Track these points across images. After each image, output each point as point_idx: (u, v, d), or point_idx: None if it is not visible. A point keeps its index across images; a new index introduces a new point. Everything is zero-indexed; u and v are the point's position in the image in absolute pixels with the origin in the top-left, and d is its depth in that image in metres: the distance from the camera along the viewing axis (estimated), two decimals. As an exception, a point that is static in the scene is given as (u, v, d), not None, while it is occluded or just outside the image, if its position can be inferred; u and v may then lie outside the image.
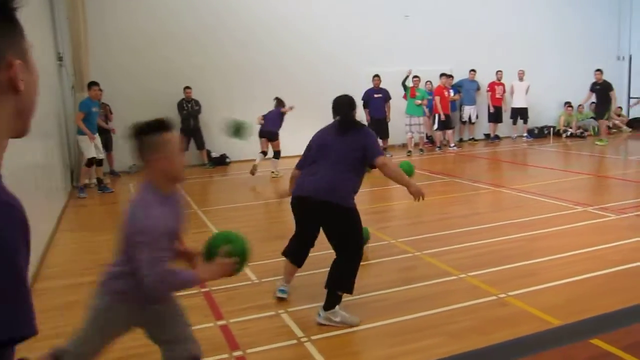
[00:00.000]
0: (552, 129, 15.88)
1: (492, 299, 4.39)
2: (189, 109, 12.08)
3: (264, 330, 4.03)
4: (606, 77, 13.99)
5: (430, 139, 14.48)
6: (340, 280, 4.03)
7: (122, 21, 11.88)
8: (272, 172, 10.63)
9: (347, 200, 4.01)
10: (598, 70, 13.90)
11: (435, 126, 14.06)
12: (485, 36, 14.89)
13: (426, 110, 13.75)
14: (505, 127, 15.31)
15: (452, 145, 13.93)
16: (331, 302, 4.00)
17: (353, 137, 4.06)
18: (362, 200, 8.19)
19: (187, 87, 12.04)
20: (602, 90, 13.77)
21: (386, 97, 12.90)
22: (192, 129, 12.12)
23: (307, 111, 11.28)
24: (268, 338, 3.88)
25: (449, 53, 14.42)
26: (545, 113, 15.93)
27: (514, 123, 15.26)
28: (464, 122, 15.12)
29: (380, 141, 12.76)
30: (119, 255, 2.48)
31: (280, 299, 4.46)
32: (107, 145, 11.03)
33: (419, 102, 13.19)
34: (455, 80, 14.41)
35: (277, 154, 10.77)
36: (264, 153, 10.73)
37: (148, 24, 12.05)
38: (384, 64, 13.35)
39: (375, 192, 8.98)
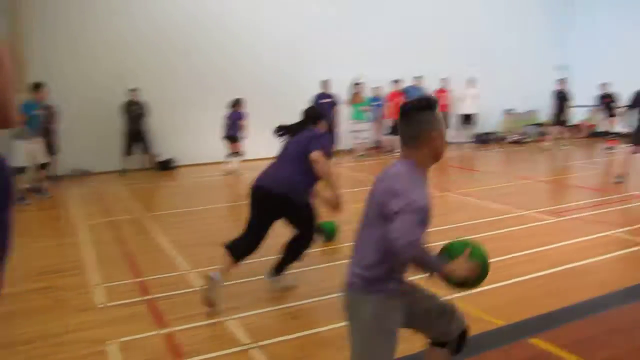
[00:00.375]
0: (495, 135, 16.41)
1: (437, 301, 4.45)
2: (134, 112, 11.77)
3: (209, 337, 3.95)
4: (546, 86, 14.57)
5: (377, 144, 14.64)
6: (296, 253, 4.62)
7: (58, 20, 11.50)
8: (229, 165, 10.95)
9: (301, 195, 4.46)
10: (561, 79, 14.54)
11: (386, 131, 14.25)
12: (431, 44, 15.19)
13: (371, 116, 13.92)
14: (451, 133, 15.64)
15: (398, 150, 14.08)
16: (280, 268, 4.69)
17: (303, 135, 4.47)
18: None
19: (132, 89, 11.73)
20: (560, 99, 14.42)
21: (335, 102, 12.93)
22: (136, 132, 11.83)
23: (252, 118, 11.29)
24: (213, 345, 3.80)
25: (398, 59, 14.60)
26: (489, 120, 16.40)
27: (463, 129, 15.62)
28: (410, 128, 15.31)
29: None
30: (368, 246, 2.43)
31: (210, 279, 4.29)
32: (51, 148, 10.61)
33: (363, 108, 13.37)
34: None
35: (236, 155, 11.15)
36: (236, 153, 11.15)
37: (85, 26, 11.75)
38: (332, 69, 13.38)
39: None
